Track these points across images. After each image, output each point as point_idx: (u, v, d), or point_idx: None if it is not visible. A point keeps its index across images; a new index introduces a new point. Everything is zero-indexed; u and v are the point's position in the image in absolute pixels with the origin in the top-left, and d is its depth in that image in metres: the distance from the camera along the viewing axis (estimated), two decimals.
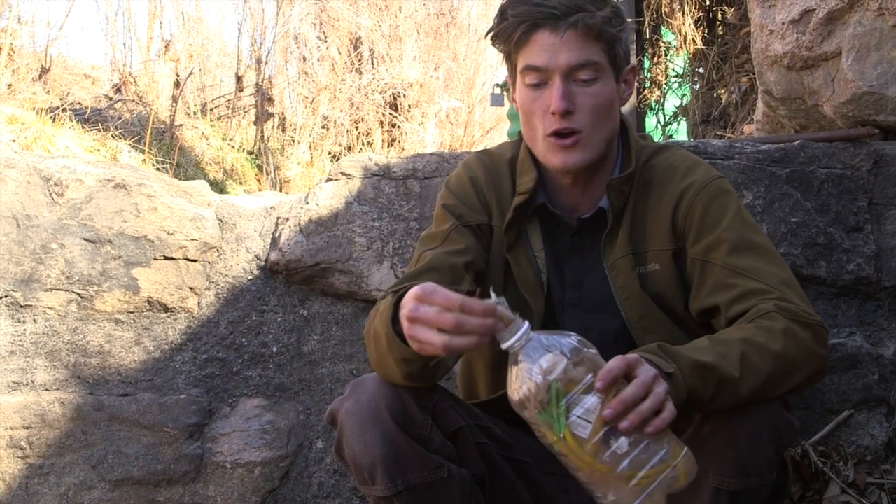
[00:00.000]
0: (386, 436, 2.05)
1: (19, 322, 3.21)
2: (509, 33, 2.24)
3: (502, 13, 2.26)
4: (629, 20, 6.07)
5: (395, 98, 8.23)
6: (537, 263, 2.37)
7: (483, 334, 1.78)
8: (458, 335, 1.78)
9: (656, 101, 7.20)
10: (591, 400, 1.76)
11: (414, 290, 1.83)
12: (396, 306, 1.95)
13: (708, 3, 7.01)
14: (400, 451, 2.05)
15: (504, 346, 1.79)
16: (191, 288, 3.26)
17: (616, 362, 1.78)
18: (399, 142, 8.22)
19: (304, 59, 8.91)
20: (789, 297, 2.11)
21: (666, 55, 7.14)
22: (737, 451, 1.98)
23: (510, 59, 2.31)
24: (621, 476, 1.75)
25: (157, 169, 5.69)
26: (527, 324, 1.80)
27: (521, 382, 1.78)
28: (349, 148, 8.01)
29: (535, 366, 1.76)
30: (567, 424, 1.76)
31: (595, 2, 2.21)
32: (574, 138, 2.24)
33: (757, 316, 2.07)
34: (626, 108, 2.38)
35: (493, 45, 2.34)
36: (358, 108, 8.23)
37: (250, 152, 7.67)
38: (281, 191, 6.69)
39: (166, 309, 3.26)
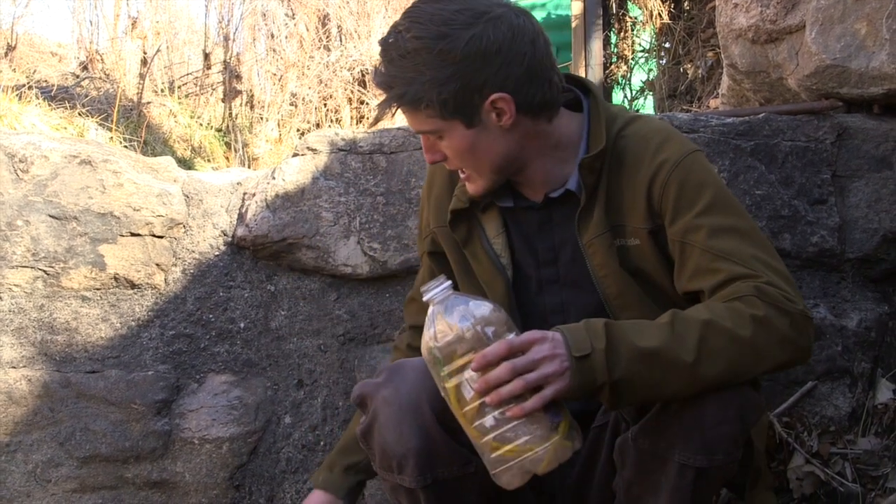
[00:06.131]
0: (423, 429, 2.07)
1: None
2: None
3: None
4: None
5: (363, 75, 8.18)
6: (494, 250, 2.37)
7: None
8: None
9: (623, 76, 7.21)
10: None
11: None
12: None
13: None
14: (433, 445, 2.08)
15: (424, 298, 1.96)
16: (157, 264, 3.25)
17: (496, 346, 1.89)
18: (368, 118, 8.20)
19: (272, 35, 8.87)
20: (774, 280, 2.06)
21: (632, 30, 7.14)
22: (703, 429, 2.00)
23: None
24: (486, 444, 1.92)
25: (125, 147, 5.66)
26: (446, 284, 1.95)
27: (422, 338, 1.95)
28: (318, 125, 7.98)
29: (430, 329, 1.92)
30: (453, 385, 1.92)
31: (402, 75, 2.14)
32: (465, 175, 2.30)
33: (733, 298, 2.04)
34: (595, 80, 2.36)
35: None
36: (326, 85, 8.20)
37: (219, 130, 7.64)
38: (250, 168, 6.66)
39: (133, 285, 3.25)
